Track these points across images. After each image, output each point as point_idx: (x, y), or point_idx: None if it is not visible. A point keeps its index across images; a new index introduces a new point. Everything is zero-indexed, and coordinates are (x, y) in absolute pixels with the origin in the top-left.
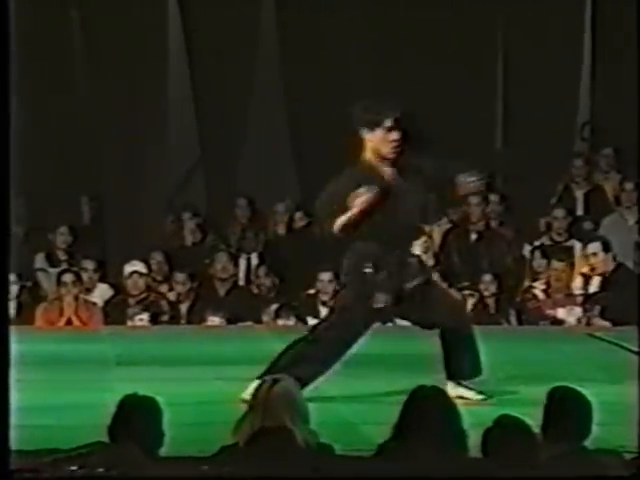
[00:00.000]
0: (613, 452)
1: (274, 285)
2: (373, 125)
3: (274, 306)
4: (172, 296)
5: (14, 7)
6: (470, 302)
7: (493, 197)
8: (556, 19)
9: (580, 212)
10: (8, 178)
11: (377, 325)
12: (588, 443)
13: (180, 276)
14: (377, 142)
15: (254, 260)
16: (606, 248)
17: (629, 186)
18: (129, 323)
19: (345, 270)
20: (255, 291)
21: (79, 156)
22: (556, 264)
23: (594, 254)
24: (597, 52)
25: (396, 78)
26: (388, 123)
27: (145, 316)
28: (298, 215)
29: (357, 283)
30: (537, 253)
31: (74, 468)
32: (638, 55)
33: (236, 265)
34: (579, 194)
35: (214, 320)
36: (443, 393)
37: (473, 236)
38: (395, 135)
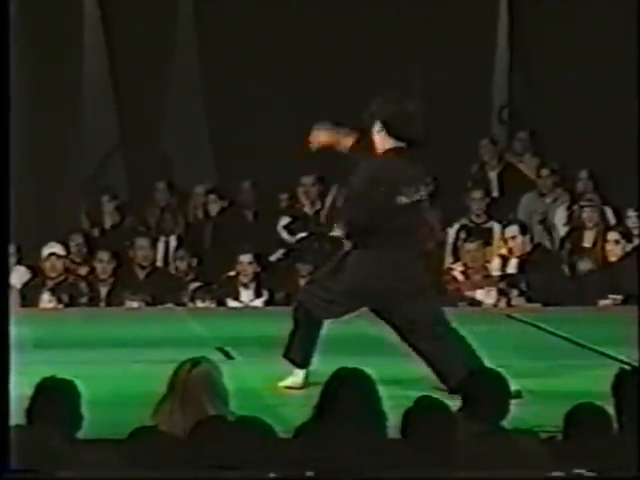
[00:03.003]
0: (529, 432)
1: (190, 267)
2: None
3: (192, 288)
4: (92, 277)
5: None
6: None
7: None
8: (473, 2)
9: (495, 192)
10: (8, 178)
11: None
12: (505, 423)
13: (104, 254)
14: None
15: (172, 242)
16: (523, 231)
17: (545, 172)
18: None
19: None
20: (174, 273)
21: None
22: (471, 245)
23: (512, 237)
24: (515, 35)
25: (308, 64)
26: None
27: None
28: (212, 197)
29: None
30: (460, 234)
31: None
32: (638, 51)
33: (155, 247)
34: (492, 175)
35: (132, 304)
36: (364, 375)
37: None
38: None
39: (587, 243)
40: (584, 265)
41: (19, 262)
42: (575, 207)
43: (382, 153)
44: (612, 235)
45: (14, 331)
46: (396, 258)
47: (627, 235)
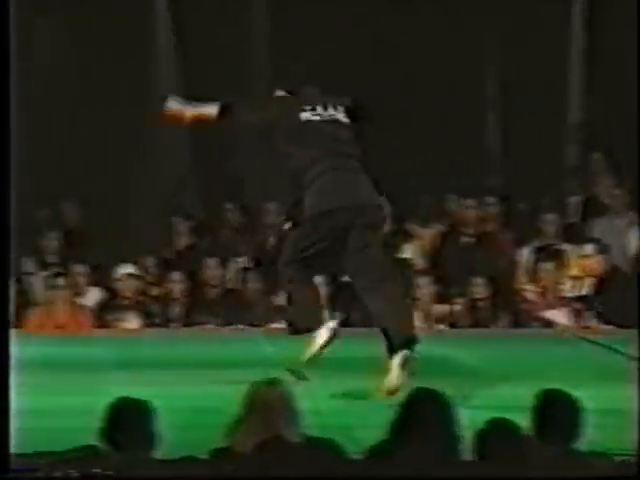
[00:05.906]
0: (604, 455)
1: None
2: None
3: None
4: (165, 298)
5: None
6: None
7: (490, 199)
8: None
9: (576, 217)
10: (9, 180)
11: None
12: (580, 445)
13: (176, 275)
14: None
15: (245, 264)
16: (601, 250)
17: (619, 192)
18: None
19: None
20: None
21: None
22: (547, 266)
23: (588, 256)
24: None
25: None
26: None
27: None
28: None
29: None
30: (532, 256)
31: (71, 471)
32: (638, 61)
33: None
34: (573, 200)
35: (207, 324)
36: (442, 395)
37: (466, 239)
38: None
39: None
40: None
41: (94, 283)
42: None
43: None
44: None
45: (89, 352)
46: None
47: None
